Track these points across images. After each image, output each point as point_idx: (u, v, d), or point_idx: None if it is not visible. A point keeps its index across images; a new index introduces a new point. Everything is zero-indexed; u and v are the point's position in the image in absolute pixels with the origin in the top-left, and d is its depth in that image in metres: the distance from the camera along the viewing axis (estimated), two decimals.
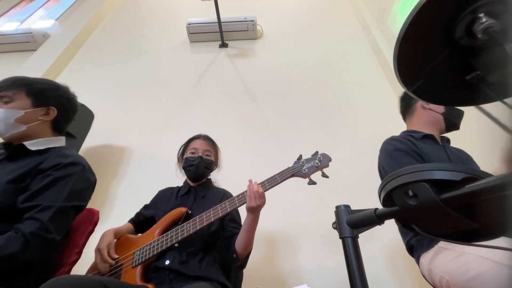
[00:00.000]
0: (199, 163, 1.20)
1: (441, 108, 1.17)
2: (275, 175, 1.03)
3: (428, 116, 1.18)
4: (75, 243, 0.99)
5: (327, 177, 1.01)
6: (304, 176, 1.02)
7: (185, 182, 1.28)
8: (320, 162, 1.01)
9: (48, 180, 0.85)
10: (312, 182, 1.00)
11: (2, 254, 0.73)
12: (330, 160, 1.02)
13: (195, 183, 1.25)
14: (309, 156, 1.06)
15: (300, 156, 1.07)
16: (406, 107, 1.29)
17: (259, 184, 1.02)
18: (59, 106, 1.00)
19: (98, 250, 1.04)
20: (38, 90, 0.96)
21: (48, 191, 0.85)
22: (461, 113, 1.19)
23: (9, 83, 0.94)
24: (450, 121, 1.16)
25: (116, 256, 1.04)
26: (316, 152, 1.06)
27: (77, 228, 1.03)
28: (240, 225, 1.15)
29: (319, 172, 1.03)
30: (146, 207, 1.28)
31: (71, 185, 0.89)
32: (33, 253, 0.78)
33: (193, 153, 1.23)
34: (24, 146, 0.92)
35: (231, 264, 1.07)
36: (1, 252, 0.73)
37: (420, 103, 1.22)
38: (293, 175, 1.03)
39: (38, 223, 0.79)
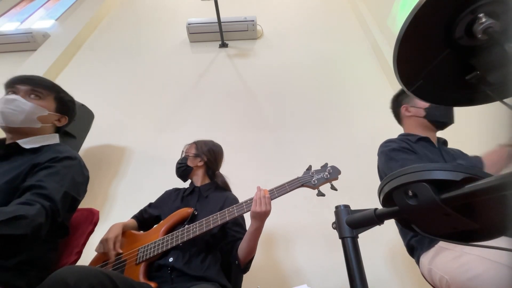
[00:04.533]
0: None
1: (421, 112, 1.18)
2: (284, 184, 1.03)
3: (414, 121, 1.21)
4: (75, 243, 0.99)
5: (335, 189, 1.01)
6: (313, 187, 1.02)
7: (190, 183, 1.32)
8: (330, 174, 1.02)
9: (49, 171, 0.86)
10: (321, 194, 1.00)
11: (37, 222, 0.74)
12: (339, 173, 1.03)
13: (186, 181, 1.33)
14: (319, 167, 1.06)
15: (310, 167, 1.07)
16: (395, 115, 1.32)
17: (268, 191, 1.03)
18: (70, 117, 1.08)
19: (106, 240, 1.05)
20: (65, 100, 1.06)
21: (51, 178, 0.85)
22: (446, 110, 1.16)
23: (45, 83, 1.01)
24: (436, 121, 1.16)
25: (121, 251, 1.05)
26: (326, 164, 1.07)
27: (77, 228, 1.03)
28: (243, 229, 1.16)
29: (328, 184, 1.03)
30: (151, 205, 1.29)
31: (71, 176, 0.90)
32: (47, 229, 0.79)
33: None
34: (17, 144, 0.91)
35: (234, 269, 1.08)
36: (36, 220, 0.74)
37: (403, 111, 1.25)
38: (302, 185, 1.03)
39: (51, 201, 0.80)
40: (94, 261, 1.07)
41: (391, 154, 1.09)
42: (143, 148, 2.18)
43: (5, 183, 0.83)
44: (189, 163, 1.28)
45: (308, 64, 2.86)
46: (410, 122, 1.23)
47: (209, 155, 1.31)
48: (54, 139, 1.02)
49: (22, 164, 0.87)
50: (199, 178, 1.28)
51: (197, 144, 1.34)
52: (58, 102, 1.03)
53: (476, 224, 0.38)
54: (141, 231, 1.19)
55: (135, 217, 1.26)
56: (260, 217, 0.98)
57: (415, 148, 1.09)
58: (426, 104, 1.17)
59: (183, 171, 1.28)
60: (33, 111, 0.94)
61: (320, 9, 3.63)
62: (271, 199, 1.01)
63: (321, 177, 1.02)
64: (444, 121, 1.16)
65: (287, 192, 1.02)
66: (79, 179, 0.93)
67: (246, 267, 1.06)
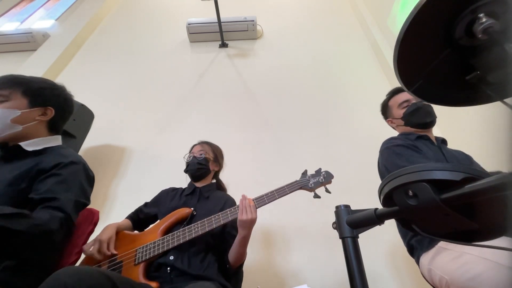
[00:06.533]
0: (191, 161, 1.29)
1: (401, 121, 1.21)
2: (284, 186, 1.09)
3: (403, 129, 1.24)
4: (75, 243, 0.99)
5: (329, 192, 1.11)
6: (310, 190, 1.11)
7: (190, 183, 1.31)
8: (324, 178, 1.12)
9: (56, 180, 0.86)
10: (317, 196, 1.10)
11: (47, 228, 0.75)
12: (332, 177, 1.13)
13: (197, 182, 1.29)
14: (313, 172, 1.15)
15: (305, 171, 1.15)
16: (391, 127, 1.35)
17: (268, 193, 1.07)
18: (56, 106, 0.98)
19: (99, 241, 1.03)
20: (35, 89, 0.94)
21: (59, 188, 0.85)
22: (421, 111, 1.15)
23: (4, 81, 0.91)
24: (417, 124, 1.17)
25: (115, 252, 1.04)
26: (320, 169, 1.15)
27: (77, 228, 1.02)
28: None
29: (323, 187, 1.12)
30: (146, 205, 1.28)
31: (78, 183, 0.90)
32: (61, 237, 0.80)
33: (189, 156, 1.33)
34: (20, 146, 0.90)
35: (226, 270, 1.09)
36: (44, 226, 0.75)
37: (389, 124, 1.31)
38: (300, 188, 1.11)
39: (65, 213, 0.82)
40: (85, 262, 1.04)
41: (397, 150, 1.09)
42: (143, 148, 2.18)
43: (8, 185, 0.83)
44: (210, 166, 1.31)
45: (308, 64, 2.86)
46: (400, 130, 1.26)
47: (221, 162, 1.37)
48: (57, 141, 1.01)
49: (24, 166, 0.87)
50: (205, 181, 1.29)
51: (212, 148, 1.37)
52: (28, 96, 0.92)
53: (476, 224, 0.38)
54: (136, 231, 1.18)
55: (129, 217, 1.25)
56: (247, 225, 1.00)
57: (417, 145, 1.10)
58: (401, 113, 1.21)
59: (203, 172, 1.29)
60: (3, 117, 0.87)
61: (320, 9, 3.63)
62: (272, 200, 1.05)
63: (317, 181, 1.12)
64: (425, 122, 1.15)
65: (287, 194, 1.08)
66: (86, 183, 0.94)
67: (236, 271, 1.09)
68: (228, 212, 1.03)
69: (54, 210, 0.80)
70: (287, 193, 1.08)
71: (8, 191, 0.82)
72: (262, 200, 1.05)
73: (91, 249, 1.00)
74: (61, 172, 0.87)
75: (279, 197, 1.06)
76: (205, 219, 1.03)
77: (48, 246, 0.80)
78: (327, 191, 1.12)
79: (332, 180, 1.12)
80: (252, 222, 1.00)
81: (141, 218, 1.24)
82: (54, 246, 0.81)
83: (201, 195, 1.21)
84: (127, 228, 1.19)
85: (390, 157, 1.11)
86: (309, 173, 1.15)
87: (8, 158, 0.91)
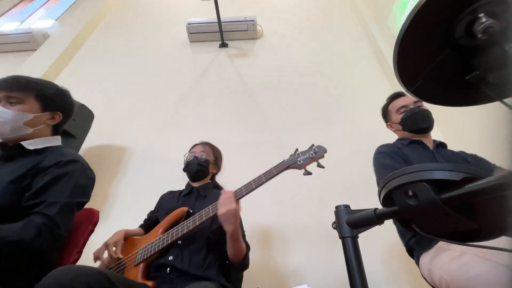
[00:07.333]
0: (192, 161, 1.27)
1: (399, 126, 1.23)
2: (271, 168, 1.03)
3: (401, 133, 1.26)
4: (75, 243, 0.99)
5: (322, 167, 1.01)
6: (299, 167, 1.02)
7: (188, 184, 1.31)
8: (316, 153, 1.02)
9: (50, 178, 0.86)
10: (307, 173, 1.01)
11: (16, 238, 0.75)
12: (325, 151, 1.03)
13: (194, 182, 1.29)
14: (305, 149, 1.07)
15: (296, 150, 1.08)
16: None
17: (256, 178, 1.03)
18: (64, 112, 1.02)
19: (105, 245, 1.06)
20: (48, 95, 0.97)
21: (52, 188, 0.85)
22: (417, 117, 1.17)
23: (19, 84, 0.93)
24: (413, 130, 1.19)
25: (121, 256, 1.05)
26: (312, 145, 1.07)
27: (77, 228, 1.03)
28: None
29: (315, 164, 1.03)
30: (151, 212, 1.30)
31: (73, 182, 0.90)
32: (43, 244, 0.79)
33: (190, 156, 1.32)
34: (21, 145, 0.92)
35: (232, 268, 1.08)
36: (15, 236, 0.75)
37: (389, 128, 1.33)
38: (288, 167, 1.03)
39: (46, 218, 0.81)
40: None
41: (378, 157, 1.15)
42: (143, 148, 2.18)
43: (10, 183, 0.83)
44: (210, 168, 1.30)
45: (308, 64, 2.86)
46: (400, 135, 1.29)
47: (220, 165, 1.37)
48: (57, 141, 1.02)
49: (26, 164, 0.88)
50: (202, 181, 1.29)
51: (213, 150, 1.36)
52: (41, 100, 0.95)
53: (476, 224, 0.38)
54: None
55: (141, 225, 1.27)
56: (229, 219, 0.94)
57: (406, 151, 1.12)
58: (399, 118, 1.23)
59: (203, 174, 1.28)
60: (16, 119, 0.89)
61: (320, 9, 3.63)
62: (260, 185, 1.00)
63: (307, 157, 1.02)
64: (421, 127, 1.18)
65: (274, 176, 1.02)
66: (82, 182, 0.94)
67: (241, 265, 1.05)
68: (218, 204, 1.01)
69: (36, 216, 0.80)
70: (275, 175, 1.01)
71: (10, 188, 0.83)
72: (250, 186, 1.01)
73: (99, 253, 1.03)
74: (57, 171, 0.88)
75: (266, 181, 1.00)
76: (196, 214, 1.03)
77: (27, 253, 0.78)
78: (320, 166, 1.01)
79: (325, 154, 1.02)
80: (231, 213, 0.93)
81: (149, 225, 1.25)
82: (37, 251, 0.79)
83: (199, 195, 1.22)
84: (139, 234, 1.20)
85: (374, 165, 1.17)
86: (300, 150, 1.07)
87: (9, 157, 0.92)
